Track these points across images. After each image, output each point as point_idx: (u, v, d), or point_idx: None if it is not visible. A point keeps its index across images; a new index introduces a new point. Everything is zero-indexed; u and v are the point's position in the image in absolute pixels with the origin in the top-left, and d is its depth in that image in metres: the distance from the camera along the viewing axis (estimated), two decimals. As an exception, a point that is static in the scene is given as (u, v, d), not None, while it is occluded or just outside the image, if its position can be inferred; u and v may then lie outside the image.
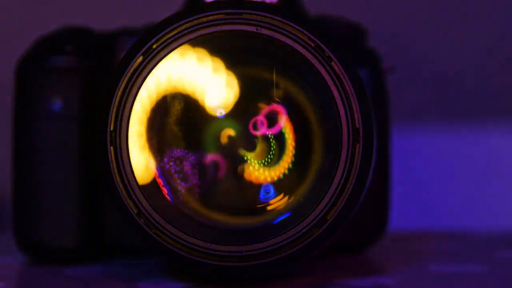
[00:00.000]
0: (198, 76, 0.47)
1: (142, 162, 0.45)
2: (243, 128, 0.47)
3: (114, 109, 0.45)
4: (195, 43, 0.45)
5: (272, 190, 0.47)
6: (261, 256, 0.44)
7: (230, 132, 0.47)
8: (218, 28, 0.45)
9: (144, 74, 0.45)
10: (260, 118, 0.47)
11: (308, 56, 0.44)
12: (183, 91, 0.47)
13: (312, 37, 0.44)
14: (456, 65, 1.01)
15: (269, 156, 0.47)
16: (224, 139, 0.47)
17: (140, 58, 0.45)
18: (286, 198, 0.47)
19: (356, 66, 0.45)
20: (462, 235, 0.68)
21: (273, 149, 0.47)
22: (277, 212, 0.46)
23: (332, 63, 0.44)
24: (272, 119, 0.47)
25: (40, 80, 0.52)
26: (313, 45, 0.44)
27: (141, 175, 0.45)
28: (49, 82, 0.52)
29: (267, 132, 0.47)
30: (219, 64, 0.47)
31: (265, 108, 0.47)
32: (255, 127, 0.47)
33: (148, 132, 0.46)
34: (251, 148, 0.47)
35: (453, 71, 1.01)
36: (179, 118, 0.47)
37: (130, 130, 0.45)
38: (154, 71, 0.45)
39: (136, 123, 0.45)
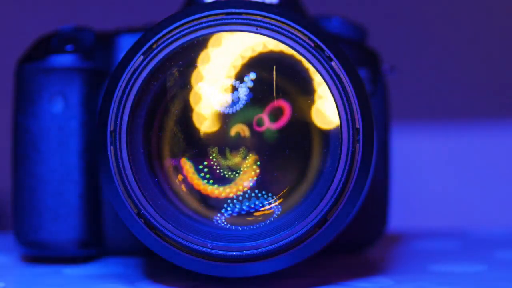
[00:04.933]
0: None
1: None
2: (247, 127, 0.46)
3: (114, 109, 0.45)
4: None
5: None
6: (261, 256, 0.44)
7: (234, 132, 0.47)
8: (218, 28, 0.45)
9: (144, 74, 0.45)
10: (264, 115, 0.46)
11: (308, 56, 0.44)
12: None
13: (312, 37, 0.44)
14: (456, 65, 1.01)
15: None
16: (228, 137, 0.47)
17: (140, 58, 0.45)
18: (287, 198, 0.47)
19: (356, 66, 0.45)
20: (462, 235, 0.68)
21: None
22: (277, 212, 0.46)
23: (332, 63, 0.44)
24: (276, 115, 0.46)
25: (40, 80, 0.52)
26: (313, 45, 0.44)
27: None
28: (49, 82, 0.52)
29: (271, 127, 0.46)
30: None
31: (269, 105, 0.46)
32: (259, 124, 0.46)
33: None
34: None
35: (452, 71, 1.01)
36: (180, 118, 0.47)
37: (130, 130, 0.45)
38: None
39: None
